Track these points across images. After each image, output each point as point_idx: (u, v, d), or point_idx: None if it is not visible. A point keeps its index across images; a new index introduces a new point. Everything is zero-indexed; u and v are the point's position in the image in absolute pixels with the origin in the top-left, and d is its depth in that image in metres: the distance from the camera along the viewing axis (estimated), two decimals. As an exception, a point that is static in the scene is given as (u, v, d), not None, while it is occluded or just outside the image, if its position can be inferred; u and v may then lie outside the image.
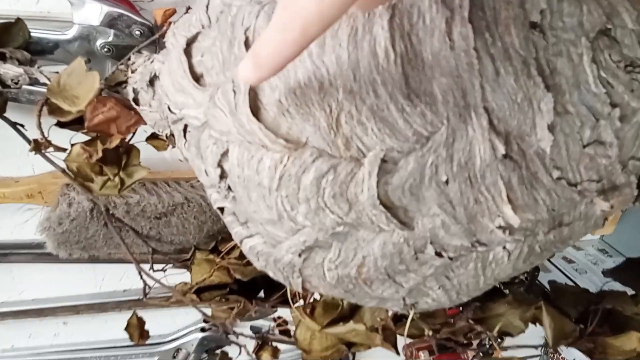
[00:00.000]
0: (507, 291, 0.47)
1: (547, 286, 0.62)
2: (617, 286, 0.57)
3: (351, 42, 0.26)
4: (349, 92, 0.25)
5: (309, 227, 0.28)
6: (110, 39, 0.48)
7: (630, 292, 0.50)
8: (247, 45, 0.27)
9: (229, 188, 0.29)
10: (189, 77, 0.30)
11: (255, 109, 0.26)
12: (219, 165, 0.29)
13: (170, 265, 0.56)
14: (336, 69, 0.26)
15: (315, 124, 0.26)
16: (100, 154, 0.37)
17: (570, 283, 0.76)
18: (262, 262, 0.32)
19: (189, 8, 0.47)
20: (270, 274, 0.33)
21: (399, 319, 0.43)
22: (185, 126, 0.32)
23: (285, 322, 0.52)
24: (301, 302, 0.48)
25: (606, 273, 0.57)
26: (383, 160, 0.26)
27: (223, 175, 0.29)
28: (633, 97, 0.28)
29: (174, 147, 0.37)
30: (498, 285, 0.42)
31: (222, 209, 0.32)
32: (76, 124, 0.39)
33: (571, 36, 0.27)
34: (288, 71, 0.26)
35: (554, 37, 0.27)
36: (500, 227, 0.28)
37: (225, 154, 0.28)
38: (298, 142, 0.26)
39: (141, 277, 0.48)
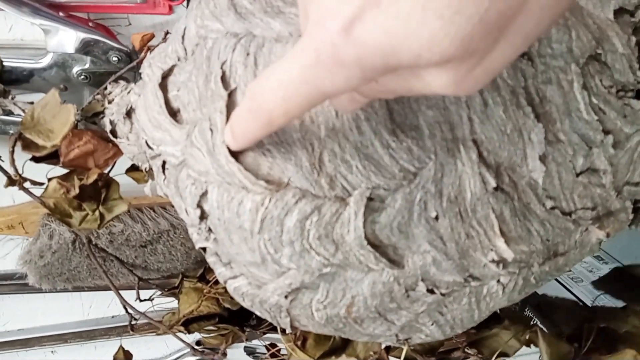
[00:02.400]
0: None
1: (540, 293, 0.60)
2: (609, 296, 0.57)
3: (332, 77, 0.24)
4: (332, 129, 0.24)
5: (294, 270, 0.26)
6: (87, 66, 0.46)
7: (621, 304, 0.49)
8: (223, 80, 0.26)
9: (210, 230, 0.28)
10: (165, 113, 0.29)
11: (234, 149, 0.25)
12: (199, 206, 0.27)
13: (159, 293, 0.55)
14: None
15: (297, 163, 0.24)
16: (77, 190, 0.36)
17: (567, 292, 0.75)
18: (248, 302, 0.30)
19: (167, 32, 0.45)
20: (258, 313, 0.31)
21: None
22: (164, 162, 0.31)
23: (279, 351, 0.51)
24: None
25: (596, 284, 0.57)
26: (369, 199, 0.25)
27: (203, 216, 0.28)
28: (626, 123, 0.27)
29: (153, 180, 0.36)
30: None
31: (204, 249, 0.31)
32: (52, 158, 0.38)
33: (560, 63, 0.26)
34: None
35: (543, 65, 0.26)
36: (493, 260, 0.27)
37: (204, 195, 0.27)
38: (280, 182, 0.25)
39: (126, 311, 0.46)
